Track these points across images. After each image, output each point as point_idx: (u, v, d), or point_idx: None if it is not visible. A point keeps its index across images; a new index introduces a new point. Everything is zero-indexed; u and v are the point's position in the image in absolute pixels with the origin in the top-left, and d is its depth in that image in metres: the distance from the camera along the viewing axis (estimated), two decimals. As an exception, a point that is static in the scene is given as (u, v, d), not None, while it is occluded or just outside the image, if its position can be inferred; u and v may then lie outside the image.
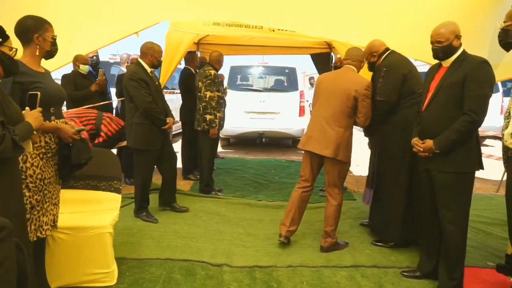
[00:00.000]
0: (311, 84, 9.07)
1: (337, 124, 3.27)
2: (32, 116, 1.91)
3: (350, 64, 3.40)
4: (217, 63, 4.94)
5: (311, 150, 3.34)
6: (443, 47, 2.64)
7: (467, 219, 2.67)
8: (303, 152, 3.51)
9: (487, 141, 10.19)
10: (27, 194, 2.16)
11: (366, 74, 3.72)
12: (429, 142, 2.64)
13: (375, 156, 3.56)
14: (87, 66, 4.87)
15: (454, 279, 2.65)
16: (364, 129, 3.66)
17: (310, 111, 3.96)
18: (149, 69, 3.92)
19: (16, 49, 1.93)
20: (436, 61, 2.80)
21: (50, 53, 2.35)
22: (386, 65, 3.34)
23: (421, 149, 2.70)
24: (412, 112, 3.18)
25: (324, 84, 3.42)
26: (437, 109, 2.66)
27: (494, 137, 8.98)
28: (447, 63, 2.67)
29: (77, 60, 4.70)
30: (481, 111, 2.50)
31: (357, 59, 3.41)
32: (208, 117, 4.77)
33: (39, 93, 2.06)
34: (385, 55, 3.44)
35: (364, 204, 3.82)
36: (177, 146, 7.93)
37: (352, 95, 3.23)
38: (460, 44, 2.63)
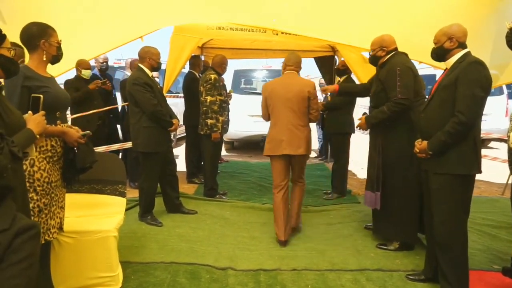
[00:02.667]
0: (321, 86, 9.06)
1: (301, 124, 3.63)
2: (35, 121, 1.89)
3: (294, 69, 3.72)
4: (219, 66, 4.95)
5: (287, 153, 3.60)
6: (435, 49, 2.73)
7: (462, 222, 2.63)
8: (272, 158, 3.73)
9: (492, 144, 10.14)
10: (35, 197, 2.18)
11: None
12: (424, 144, 2.66)
13: (378, 159, 3.51)
14: (89, 71, 4.92)
15: (454, 283, 2.61)
16: (372, 121, 3.52)
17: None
18: (150, 73, 3.95)
19: (15, 49, 1.92)
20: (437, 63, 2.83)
21: (57, 58, 2.39)
22: (398, 64, 3.30)
23: (418, 150, 2.72)
24: (416, 113, 3.18)
25: (276, 91, 3.64)
26: (432, 111, 2.67)
27: (499, 140, 8.94)
28: (449, 65, 2.67)
29: (79, 65, 4.75)
30: (469, 112, 2.47)
31: (298, 65, 3.76)
32: (209, 121, 4.79)
33: (41, 95, 2.06)
34: (392, 54, 3.42)
35: (368, 207, 3.79)
36: (181, 150, 7.97)
37: (306, 96, 3.59)
38: (458, 46, 2.62)
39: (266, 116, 3.79)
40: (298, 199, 3.91)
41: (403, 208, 3.42)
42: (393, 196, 3.46)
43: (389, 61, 3.41)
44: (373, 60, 3.57)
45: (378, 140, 3.51)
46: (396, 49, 3.45)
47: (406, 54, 3.46)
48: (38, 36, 2.26)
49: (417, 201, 3.35)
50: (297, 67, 3.74)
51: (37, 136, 1.88)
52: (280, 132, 3.61)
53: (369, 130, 3.69)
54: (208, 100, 4.77)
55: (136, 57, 5.43)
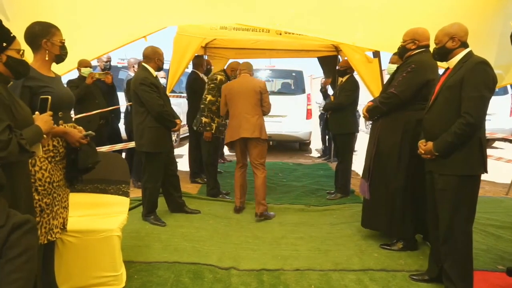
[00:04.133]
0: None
1: (254, 113, 4.34)
2: (42, 119, 1.93)
3: (247, 73, 4.50)
4: (232, 71, 4.99)
5: (244, 136, 4.31)
6: (437, 49, 2.70)
7: (467, 223, 2.61)
8: (235, 143, 4.46)
9: (496, 144, 10.10)
10: (37, 197, 2.18)
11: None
12: (430, 145, 2.64)
13: (372, 149, 3.53)
14: (88, 69, 4.90)
15: (458, 284, 2.60)
16: (369, 112, 3.61)
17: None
18: (154, 73, 3.95)
19: (23, 50, 1.94)
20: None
21: (60, 57, 2.38)
22: (416, 62, 3.22)
23: (423, 151, 2.70)
24: (416, 115, 3.15)
25: (234, 89, 4.43)
26: (436, 111, 2.66)
27: (504, 139, 8.90)
28: (451, 64, 2.66)
29: (80, 64, 4.76)
30: (477, 113, 2.45)
31: (250, 70, 4.53)
32: (204, 119, 4.82)
33: (49, 97, 2.08)
34: (421, 50, 3.28)
35: (362, 195, 3.81)
36: (184, 150, 7.99)
37: (258, 91, 4.34)
38: (460, 46, 2.60)
39: (224, 111, 4.58)
40: (259, 189, 4.38)
41: (387, 201, 3.44)
42: (379, 188, 3.49)
43: (414, 56, 3.29)
44: (402, 51, 3.39)
45: (375, 132, 3.54)
46: (427, 46, 3.28)
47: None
48: (40, 35, 2.26)
49: (402, 198, 3.36)
50: (249, 71, 4.52)
51: (44, 135, 1.90)
52: (238, 120, 4.35)
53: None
54: (207, 99, 4.80)
55: (139, 56, 5.46)
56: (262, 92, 4.35)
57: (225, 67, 5.15)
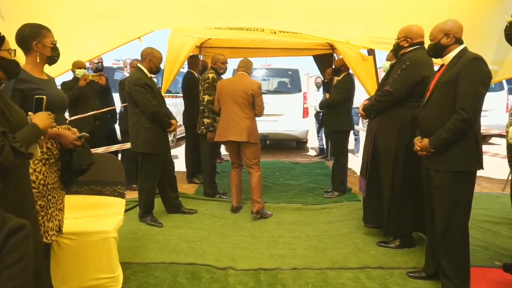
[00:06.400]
0: (317, 86, 9.02)
1: (244, 116, 4.24)
2: (39, 117, 1.89)
3: (244, 71, 4.40)
4: (214, 64, 4.90)
5: (231, 139, 4.27)
6: (431, 45, 2.70)
7: (464, 219, 2.61)
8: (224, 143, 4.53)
9: (493, 140, 10.12)
10: (31, 199, 2.17)
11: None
12: (425, 141, 2.64)
13: (369, 147, 3.53)
14: (82, 70, 4.86)
15: (455, 280, 2.60)
16: (365, 110, 3.60)
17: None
18: (148, 74, 3.94)
19: (15, 50, 1.92)
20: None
21: (52, 59, 2.36)
22: (411, 60, 3.21)
23: (419, 148, 2.70)
24: (412, 112, 3.15)
25: (226, 88, 4.34)
26: (432, 108, 2.65)
27: (500, 135, 8.92)
28: (446, 61, 2.66)
29: (74, 65, 4.72)
30: (472, 109, 2.45)
31: (248, 68, 4.43)
32: (205, 120, 4.79)
33: (45, 97, 2.05)
34: (415, 47, 3.27)
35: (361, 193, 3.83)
36: (181, 150, 7.97)
37: (250, 93, 4.22)
38: (455, 42, 2.60)
39: (218, 108, 4.48)
40: (253, 186, 4.36)
41: (384, 198, 3.45)
42: (376, 185, 3.50)
43: (409, 53, 3.27)
44: (396, 48, 3.39)
45: (371, 129, 3.54)
46: (421, 43, 3.27)
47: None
48: (30, 37, 2.24)
49: (399, 195, 3.36)
50: (247, 70, 4.42)
51: (43, 131, 1.88)
52: (227, 121, 4.30)
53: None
54: (205, 99, 4.76)
55: (135, 57, 5.43)
56: (254, 95, 4.23)
57: (210, 64, 5.08)
